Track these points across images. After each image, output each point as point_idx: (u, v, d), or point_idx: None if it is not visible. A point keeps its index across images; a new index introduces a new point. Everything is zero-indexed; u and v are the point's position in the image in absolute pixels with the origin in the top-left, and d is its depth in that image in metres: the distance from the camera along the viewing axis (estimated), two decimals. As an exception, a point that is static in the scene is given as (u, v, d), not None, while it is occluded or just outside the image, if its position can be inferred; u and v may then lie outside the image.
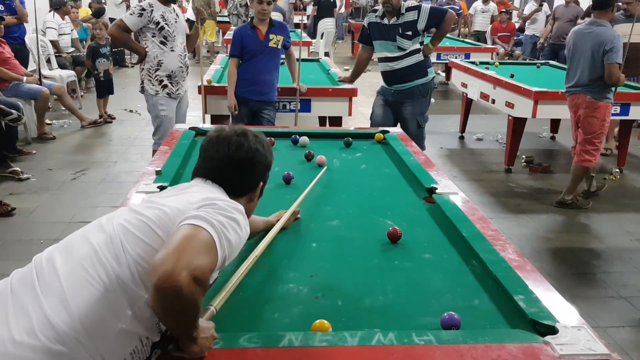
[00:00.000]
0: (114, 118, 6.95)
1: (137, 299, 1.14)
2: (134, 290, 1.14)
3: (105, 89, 6.95)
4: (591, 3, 4.46)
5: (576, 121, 4.47)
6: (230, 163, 1.45)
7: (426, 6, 4.19)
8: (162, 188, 2.17)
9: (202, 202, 1.26)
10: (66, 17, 8.30)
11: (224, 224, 1.19)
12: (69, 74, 7.46)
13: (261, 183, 1.54)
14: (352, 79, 4.69)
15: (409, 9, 4.12)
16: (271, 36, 4.24)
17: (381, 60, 4.31)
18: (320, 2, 12.72)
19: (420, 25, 4.09)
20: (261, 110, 4.31)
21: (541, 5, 10.13)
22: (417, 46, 4.18)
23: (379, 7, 4.28)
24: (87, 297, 1.11)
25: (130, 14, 4.14)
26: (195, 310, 1.11)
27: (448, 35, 7.51)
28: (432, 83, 4.36)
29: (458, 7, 11.44)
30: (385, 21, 4.18)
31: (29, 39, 7.11)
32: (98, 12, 10.49)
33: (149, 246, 1.18)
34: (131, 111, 7.34)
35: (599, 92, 4.24)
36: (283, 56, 4.56)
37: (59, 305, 1.10)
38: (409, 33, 4.11)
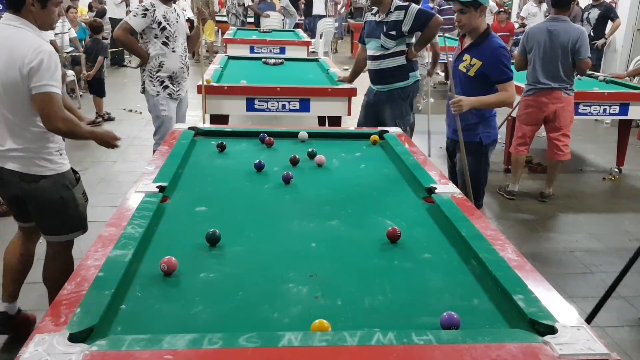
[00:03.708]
0: (113, 118, 6.95)
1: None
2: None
3: (95, 89, 6.94)
4: (551, 1, 4.60)
5: (544, 118, 4.60)
6: None
7: (414, 7, 4.02)
8: (161, 188, 2.18)
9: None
10: (61, 16, 8.28)
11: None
12: (68, 74, 7.45)
13: None
14: (352, 78, 4.67)
15: (397, 8, 4.03)
16: (465, 57, 3.21)
17: (368, 58, 4.28)
18: None
19: (405, 27, 3.98)
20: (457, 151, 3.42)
21: (540, 2, 10.08)
22: (402, 48, 4.07)
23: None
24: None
25: (134, 15, 4.10)
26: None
27: (448, 35, 7.46)
28: (413, 87, 4.21)
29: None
30: (377, 17, 4.14)
31: (28, 38, 7.09)
32: (100, 13, 10.48)
33: None
34: (130, 111, 7.33)
35: (570, 86, 4.52)
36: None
37: None
38: (393, 33, 4.02)
